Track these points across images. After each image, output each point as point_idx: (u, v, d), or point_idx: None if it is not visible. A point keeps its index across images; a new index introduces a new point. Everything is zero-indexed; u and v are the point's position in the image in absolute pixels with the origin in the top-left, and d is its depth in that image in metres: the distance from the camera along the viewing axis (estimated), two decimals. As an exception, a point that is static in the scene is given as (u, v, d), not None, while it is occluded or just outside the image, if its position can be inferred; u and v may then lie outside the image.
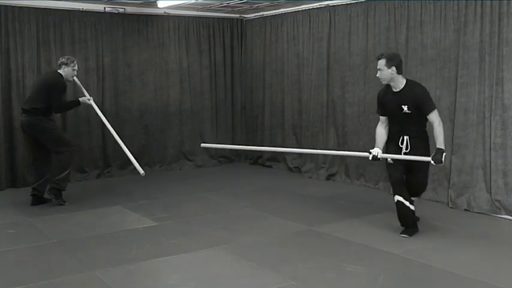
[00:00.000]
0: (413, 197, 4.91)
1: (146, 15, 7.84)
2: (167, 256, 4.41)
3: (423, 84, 4.95)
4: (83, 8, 7.32)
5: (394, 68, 4.63)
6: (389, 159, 4.82)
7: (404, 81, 4.73)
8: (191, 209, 5.96)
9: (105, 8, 7.47)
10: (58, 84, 5.93)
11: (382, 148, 4.88)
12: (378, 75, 4.76)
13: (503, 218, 5.43)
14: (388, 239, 4.79)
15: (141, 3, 7.52)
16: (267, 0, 7.40)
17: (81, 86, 6.32)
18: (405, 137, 4.76)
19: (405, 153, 4.76)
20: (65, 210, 5.81)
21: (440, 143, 4.53)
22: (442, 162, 4.51)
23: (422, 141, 4.77)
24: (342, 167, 7.27)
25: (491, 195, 5.56)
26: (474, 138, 5.69)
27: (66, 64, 6.00)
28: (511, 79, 5.38)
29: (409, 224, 4.89)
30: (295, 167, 7.92)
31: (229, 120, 8.85)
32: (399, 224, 4.93)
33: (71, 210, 5.82)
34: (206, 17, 8.40)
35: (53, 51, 7.14)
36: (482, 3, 5.53)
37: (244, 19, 8.77)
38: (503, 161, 5.46)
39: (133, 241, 4.79)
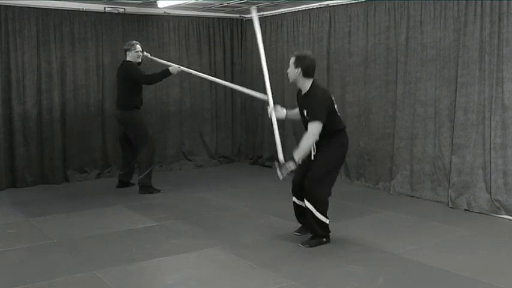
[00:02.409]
0: (306, 198, 4.56)
1: (146, 15, 7.85)
2: (167, 256, 4.41)
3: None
4: (83, 8, 7.32)
5: (300, 69, 4.47)
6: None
7: (309, 86, 4.53)
8: (191, 209, 5.96)
9: (105, 8, 7.47)
10: (131, 68, 6.47)
11: (286, 113, 4.82)
12: (287, 70, 4.62)
13: (503, 218, 5.43)
14: (388, 239, 4.79)
15: (141, 3, 7.52)
16: (267, 0, 7.40)
17: (160, 60, 6.75)
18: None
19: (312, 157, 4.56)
20: (65, 210, 5.82)
21: (296, 152, 4.35)
22: (280, 169, 4.36)
23: (326, 145, 4.52)
24: (342, 167, 7.25)
25: (491, 195, 5.56)
26: (474, 138, 5.69)
27: (129, 49, 6.52)
28: (511, 79, 5.38)
29: (300, 221, 4.80)
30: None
31: (229, 120, 8.85)
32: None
33: (71, 210, 5.82)
34: (206, 17, 8.40)
35: (53, 51, 7.14)
36: (482, 3, 5.53)
37: (244, 19, 8.77)
38: (503, 161, 5.46)
39: (133, 241, 4.79)
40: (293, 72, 4.54)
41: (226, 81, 8.59)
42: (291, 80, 4.66)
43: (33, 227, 5.23)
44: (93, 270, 4.07)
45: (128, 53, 6.55)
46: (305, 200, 4.57)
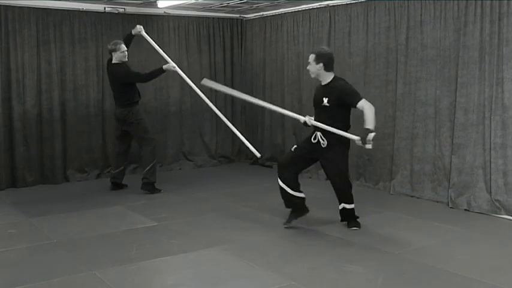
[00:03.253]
0: (340, 202, 5.12)
1: (146, 15, 7.84)
2: (167, 256, 4.41)
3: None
4: (83, 8, 7.32)
5: (321, 64, 4.88)
6: (292, 148, 5.16)
7: (332, 77, 4.95)
8: (191, 209, 5.96)
9: (105, 8, 7.47)
10: (122, 71, 6.42)
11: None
12: (307, 67, 5.00)
13: (503, 218, 5.43)
14: (388, 239, 4.80)
15: (141, 3, 7.52)
16: (267, 0, 7.40)
17: (162, 53, 6.60)
18: (318, 134, 4.98)
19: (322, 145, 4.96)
20: (65, 210, 5.82)
21: (368, 124, 4.69)
22: (366, 143, 4.66)
23: (335, 140, 4.90)
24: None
25: (491, 195, 5.56)
26: (474, 138, 5.69)
27: (114, 50, 6.43)
28: (511, 79, 5.38)
29: (289, 206, 5.15)
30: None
31: (229, 120, 8.82)
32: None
33: (71, 210, 5.82)
34: (206, 17, 8.40)
35: (53, 51, 7.14)
36: (482, 3, 5.53)
37: (244, 19, 8.77)
38: (503, 161, 5.46)
39: (133, 241, 4.79)
40: (315, 68, 4.92)
41: (226, 81, 8.65)
42: (313, 76, 5.02)
43: (33, 227, 5.23)
44: (93, 270, 4.07)
45: (113, 54, 6.43)
46: (340, 204, 5.12)
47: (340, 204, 5.14)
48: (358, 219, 5.15)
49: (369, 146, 4.72)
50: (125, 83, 6.46)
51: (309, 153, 5.08)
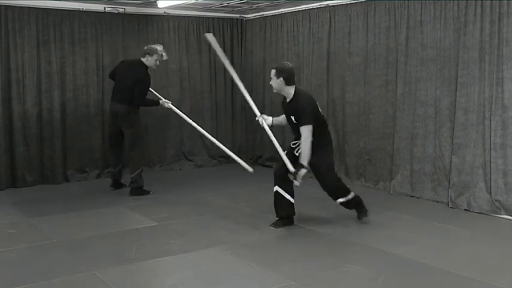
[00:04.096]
0: (335, 200, 5.18)
1: (146, 15, 7.85)
2: (167, 256, 4.41)
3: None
4: (83, 8, 7.32)
5: (282, 78, 4.87)
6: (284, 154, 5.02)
7: (293, 92, 4.93)
8: (191, 209, 5.96)
9: (105, 8, 7.47)
10: (145, 77, 6.38)
11: (272, 121, 5.20)
12: (270, 82, 5.03)
13: (503, 218, 5.43)
14: (388, 239, 4.80)
15: (141, 3, 7.52)
16: (267, 0, 7.40)
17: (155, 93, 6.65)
18: (299, 142, 4.91)
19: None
20: (65, 210, 5.82)
21: (302, 159, 4.74)
22: (295, 179, 4.76)
23: (316, 151, 4.83)
24: (342, 167, 7.26)
25: (491, 195, 5.56)
26: (474, 138, 5.69)
27: (150, 54, 6.35)
28: (511, 79, 5.38)
29: (281, 215, 5.17)
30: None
31: (229, 120, 8.85)
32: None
33: (71, 210, 5.82)
34: (206, 17, 8.40)
35: (53, 51, 7.14)
36: (482, 3, 5.53)
37: (244, 19, 8.77)
38: (503, 161, 5.46)
39: (133, 241, 4.79)
40: (276, 82, 4.93)
41: (226, 81, 8.66)
42: (275, 90, 5.04)
43: (33, 227, 5.23)
44: (93, 270, 4.07)
45: (148, 57, 6.36)
46: (336, 200, 5.17)
47: (336, 200, 5.20)
48: (364, 207, 5.25)
49: (296, 183, 4.81)
50: (137, 84, 6.33)
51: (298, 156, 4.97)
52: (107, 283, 3.83)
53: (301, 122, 4.80)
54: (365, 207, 5.27)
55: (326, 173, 5.07)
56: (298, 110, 4.83)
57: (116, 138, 6.59)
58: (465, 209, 5.72)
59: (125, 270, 4.08)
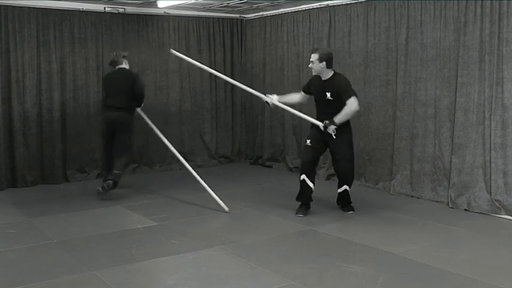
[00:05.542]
0: (341, 185, 5.65)
1: (146, 15, 7.85)
2: (167, 256, 4.41)
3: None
4: (83, 8, 7.32)
5: (324, 63, 5.37)
6: (308, 141, 5.55)
7: (332, 73, 5.46)
8: (191, 209, 5.96)
9: (105, 8, 7.47)
10: (140, 81, 6.57)
11: (280, 100, 5.77)
12: (309, 65, 5.48)
13: (503, 218, 5.43)
14: (388, 239, 4.80)
15: (141, 3, 7.52)
16: (267, 0, 7.40)
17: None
18: (326, 122, 5.37)
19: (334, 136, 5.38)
20: (65, 210, 5.82)
21: (338, 118, 5.26)
22: (328, 129, 5.29)
23: (343, 129, 5.39)
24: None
25: (491, 195, 5.56)
26: (474, 138, 5.69)
27: (126, 58, 6.56)
28: (511, 79, 5.38)
29: (303, 201, 5.60)
30: (295, 167, 7.92)
31: (229, 120, 8.85)
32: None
33: (71, 210, 5.82)
34: (206, 17, 8.40)
35: (53, 51, 7.15)
36: (482, 3, 5.53)
37: (244, 19, 8.77)
38: (503, 161, 5.47)
39: (133, 241, 4.79)
40: (318, 66, 5.41)
41: (225, 85, 8.65)
42: (315, 73, 5.49)
43: (33, 227, 5.23)
44: (93, 270, 4.08)
45: (126, 61, 6.50)
46: (342, 186, 5.63)
47: (342, 186, 5.63)
48: (352, 204, 5.71)
49: (331, 132, 5.29)
50: (134, 90, 6.43)
51: (322, 141, 5.51)
52: (107, 283, 3.83)
53: (346, 95, 5.27)
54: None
55: (350, 163, 5.57)
56: (341, 86, 5.33)
57: (109, 144, 6.51)
58: (465, 209, 5.72)
59: (125, 270, 4.08)
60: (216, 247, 4.61)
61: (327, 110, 5.40)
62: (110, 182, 6.24)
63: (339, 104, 5.31)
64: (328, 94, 5.37)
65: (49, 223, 5.36)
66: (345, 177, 5.59)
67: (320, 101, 5.52)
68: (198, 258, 4.37)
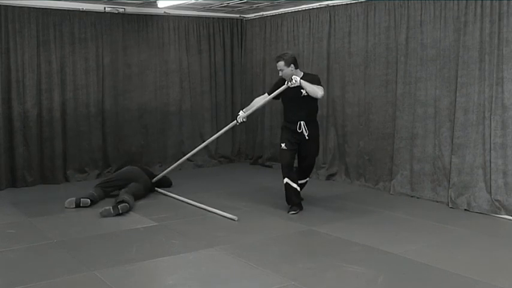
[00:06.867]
0: (304, 179, 5.95)
1: (146, 15, 7.84)
2: (167, 256, 4.41)
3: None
4: (83, 8, 7.32)
5: (292, 65, 5.52)
6: (283, 145, 5.68)
7: (302, 73, 5.63)
8: (191, 209, 5.96)
9: (105, 8, 7.47)
10: None
11: (247, 112, 6.01)
12: (280, 74, 5.59)
13: (503, 218, 5.43)
14: (388, 239, 4.80)
15: (141, 3, 7.52)
16: (267, 0, 7.40)
17: None
18: (301, 123, 5.58)
19: (307, 136, 5.64)
20: (65, 210, 5.82)
21: (305, 82, 5.37)
22: (293, 79, 5.37)
23: (314, 128, 5.75)
24: (342, 167, 7.27)
25: (491, 195, 5.56)
26: (474, 138, 5.69)
27: None
28: (511, 79, 5.38)
29: (295, 202, 5.69)
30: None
31: (229, 120, 8.79)
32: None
33: (71, 210, 5.82)
34: (206, 17, 8.40)
35: (53, 51, 7.14)
36: (482, 3, 5.53)
37: (244, 19, 8.77)
38: (503, 161, 5.47)
39: (133, 241, 4.79)
40: (288, 70, 5.52)
41: (226, 81, 8.67)
42: (287, 78, 5.51)
43: (33, 227, 5.23)
44: (93, 270, 4.08)
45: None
46: (305, 179, 5.97)
47: (304, 179, 5.97)
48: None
49: (294, 81, 5.37)
50: None
51: (297, 143, 5.68)
52: (107, 283, 3.83)
53: (318, 84, 5.48)
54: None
55: (316, 153, 5.95)
56: (315, 79, 5.52)
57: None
58: (465, 209, 5.72)
59: (125, 270, 4.09)
60: (216, 247, 4.61)
61: (301, 108, 5.57)
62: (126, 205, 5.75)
63: (314, 103, 5.60)
64: (304, 91, 5.46)
65: (49, 223, 5.36)
66: (309, 171, 5.98)
67: (294, 100, 5.60)
68: (198, 258, 4.37)
